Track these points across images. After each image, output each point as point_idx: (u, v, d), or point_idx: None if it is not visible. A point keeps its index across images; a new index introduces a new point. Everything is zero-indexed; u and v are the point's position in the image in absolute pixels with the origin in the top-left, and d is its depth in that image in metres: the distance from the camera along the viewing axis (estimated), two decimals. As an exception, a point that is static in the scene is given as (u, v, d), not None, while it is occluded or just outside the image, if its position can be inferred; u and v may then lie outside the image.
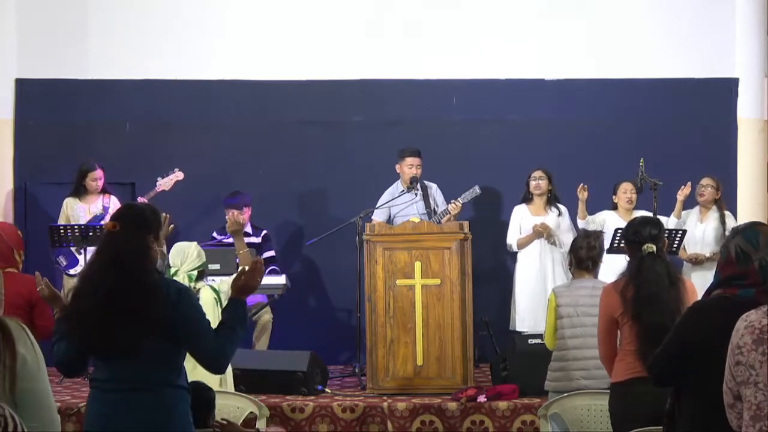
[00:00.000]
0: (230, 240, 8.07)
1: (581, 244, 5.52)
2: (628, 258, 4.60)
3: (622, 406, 4.41)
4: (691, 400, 3.31)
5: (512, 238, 8.13)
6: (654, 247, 4.42)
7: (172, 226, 4.93)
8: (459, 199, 7.85)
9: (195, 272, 5.49)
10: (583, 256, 5.47)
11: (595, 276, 5.55)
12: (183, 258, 5.50)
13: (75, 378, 4.45)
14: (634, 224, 4.63)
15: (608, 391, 5.16)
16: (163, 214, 5.34)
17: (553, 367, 5.50)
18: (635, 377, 4.32)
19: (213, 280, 5.79)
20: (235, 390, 5.83)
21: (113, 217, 3.73)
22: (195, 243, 5.65)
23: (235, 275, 3.90)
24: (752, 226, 3.41)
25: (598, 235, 5.73)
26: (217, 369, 3.73)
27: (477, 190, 7.91)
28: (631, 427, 4.20)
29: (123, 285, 3.53)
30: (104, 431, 3.56)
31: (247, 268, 3.79)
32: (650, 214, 7.30)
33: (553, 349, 5.52)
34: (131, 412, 3.53)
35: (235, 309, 3.71)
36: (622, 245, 7.40)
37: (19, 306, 5.23)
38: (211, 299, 5.41)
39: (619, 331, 4.52)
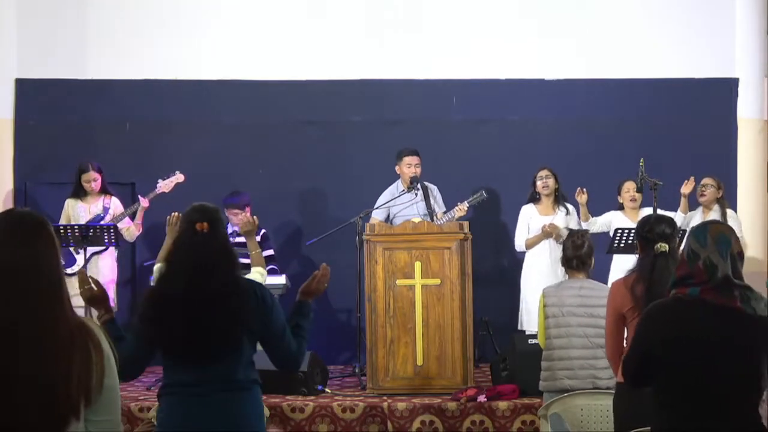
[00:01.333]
0: (232, 240, 8.10)
1: (567, 244, 5.56)
2: (639, 254, 4.58)
3: (628, 407, 4.38)
4: (659, 398, 3.36)
5: (521, 239, 8.12)
6: (667, 247, 4.42)
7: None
8: (465, 202, 7.83)
9: None
10: (570, 255, 5.49)
11: (588, 275, 5.55)
12: None
13: (134, 379, 4.45)
14: (649, 221, 4.61)
15: (608, 391, 5.17)
16: (174, 214, 5.35)
17: (542, 367, 5.54)
18: None
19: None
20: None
21: (201, 218, 3.67)
22: None
23: (308, 280, 3.96)
24: (703, 226, 3.46)
25: (583, 233, 5.72)
26: (295, 368, 3.89)
27: (484, 194, 7.88)
28: (636, 428, 4.19)
29: (218, 287, 3.55)
30: None
31: (318, 273, 3.92)
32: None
33: (544, 348, 5.55)
34: (224, 413, 3.54)
35: (309, 312, 3.86)
36: (623, 245, 7.49)
37: None
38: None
39: (625, 330, 4.50)
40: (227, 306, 3.53)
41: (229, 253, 3.66)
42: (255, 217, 5.83)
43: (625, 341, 4.53)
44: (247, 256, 5.43)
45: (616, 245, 7.55)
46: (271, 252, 8.29)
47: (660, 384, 3.36)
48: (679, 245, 7.47)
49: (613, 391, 5.01)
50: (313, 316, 3.87)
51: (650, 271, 4.38)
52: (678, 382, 3.27)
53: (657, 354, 3.33)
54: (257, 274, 5.31)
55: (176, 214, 5.20)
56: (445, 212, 7.90)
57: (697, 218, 8.11)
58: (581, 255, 5.47)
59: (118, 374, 3.84)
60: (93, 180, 8.19)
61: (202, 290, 3.53)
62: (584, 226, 7.84)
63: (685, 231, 7.74)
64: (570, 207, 8.11)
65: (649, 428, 4.03)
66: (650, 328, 3.39)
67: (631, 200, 8.02)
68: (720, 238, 3.35)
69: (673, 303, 3.37)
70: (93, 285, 3.87)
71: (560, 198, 8.12)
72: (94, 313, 3.98)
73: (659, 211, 7.40)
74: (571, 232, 5.98)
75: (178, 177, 8.21)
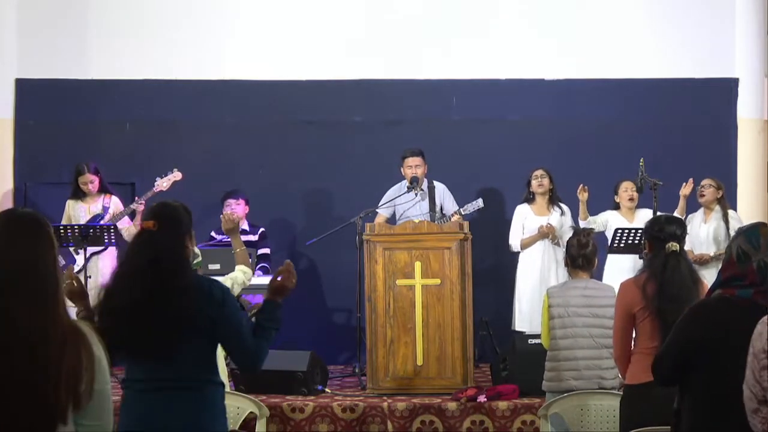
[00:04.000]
0: (229, 240, 8.09)
1: (571, 242, 5.54)
2: (648, 254, 4.54)
3: (636, 409, 4.32)
4: (693, 399, 3.31)
5: (515, 239, 8.12)
6: (678, 246, 4.39)
7: None
8: (461, 210, 7.83)
9: None
10: (575, 254, 5.47)
11: (591, 275, 5.54)
12: None
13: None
14: (659, 221, 4.58)
15: (608, 391, 5.16)
16: None
17: (547, 367, 5.52)
18: (652, 380, 4.27)
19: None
20: (236, 390, 5.82)
21: (150, 216, 3.66)
22: None
23: (270, 278, 3.91)
24: (755, 227, 3.41)
25: (589, 232, 5.72)
26: (254, 368, 3.74)
27: (480, 203, 7.87)
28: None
29: (164, 285, 3.52)
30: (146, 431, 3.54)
31: (281, 269, 3.81)
32: (651, 213, 7.31)
33: (548, 349, 5.53)
34: (174, 411, 3.52)
35: (272, 310, 3.74)
36: (623, 245, 7.48)
37: None
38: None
39: (634, 331, 4.47)
40: (169, 304, 3.49)
41: (174, 250, 3.60)
42: (237, 213, 5.79)
43: (633, 341, 4.51)
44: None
45: (615, 245, 7.54)
46: (267, 251, 8.31)
47: (696, 385, 3.29)
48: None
49: (616, 392, 5.00)
50: (279, 315, 3.73)
51: (662, 271, 4.34)
52: (720, 384, 3.18)
53: (698, 354, 3.26)
54: (239, 272, 5.29)
55: None
56: (448, 217, 7.87)
57: (697, 219, 8.11)
58: (587, 254, 5.46)
59: None
60: (90, 182, 8.19)
61: (143, 289, 3.51)
62: (582, 224, 7.84)
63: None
64: (565, 207, 8.12)
65: (656, 428, 4.00)
66: (693, 327, 3.33)
67: (629, 200, 8.02)
68: None
69: (719, 303, 3.31)
70: (74, 281, 3.91)
71: (555, 198, 8.12)
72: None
73: (658, 213, 7.40)
74: (576, 230, 5.97)
75: (176, 175, 8.21)
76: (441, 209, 8.07)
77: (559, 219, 8.05)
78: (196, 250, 3.82)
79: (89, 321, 3.75)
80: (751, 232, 3.37)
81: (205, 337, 3.57)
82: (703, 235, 8.03)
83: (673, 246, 4.38)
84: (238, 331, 3.61)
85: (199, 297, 3.54)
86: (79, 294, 3.90)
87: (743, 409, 3.15)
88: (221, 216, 7.09)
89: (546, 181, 8.07)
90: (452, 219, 7.77)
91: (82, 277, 7.84)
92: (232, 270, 5.21)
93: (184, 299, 3.50)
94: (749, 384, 2.95)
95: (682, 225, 4.57)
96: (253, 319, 3.76)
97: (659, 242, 4.44)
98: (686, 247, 4.59)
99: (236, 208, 8.04)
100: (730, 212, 8.10)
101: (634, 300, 4.39)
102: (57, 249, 2.52)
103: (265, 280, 7.41)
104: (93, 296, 4.12)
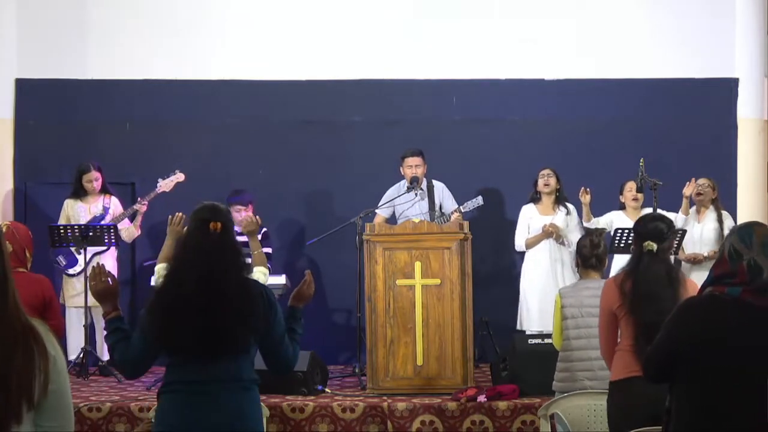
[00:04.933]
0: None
1: (584, 242, 5.54)
2: (632, 251, 4.60)
3: (620, 405, 4.41)
4: (684, 396, 3.32)
5: (521, 238, 8.12)
6: (654, 246, 4.41)
7: (186, 227, 4.93)
8: (461, 208, 7.83)
9: None
10: (587, 254, 5.47)
11: (603, 275, 5.54)
12: None
13: (137, 378, 4.46)
14: (645, 219, 4.63)
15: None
16: (178, 214, 5.35)
17: (559, 368, 5.51)
18: (633, 376, 4.31)
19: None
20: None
21: (216, 218, 3.67)
22: None
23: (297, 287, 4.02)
24: (748, 226, 3.42)
25: (600, 232, 5.73)
26: (288, 371, 3.89)
27: (480, 200, 7.87)
28: (628, 427, 4.19)
29: (229, 287, 3.56)
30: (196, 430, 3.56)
31: (306, 279, 4.00)
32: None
33: (560, 349, 5.53)
34: (229, 411, 3.56)
35: (299, 316, 3.89)
36: (623, 245, 7.49)
37: (33, 306, 5.25)
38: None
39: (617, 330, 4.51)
40: (238, 307, 3.54)
41: (240, 254, 3.67)
42: (258, 216, 5.83)
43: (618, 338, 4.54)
44: (249, 256, 5.43)
45: (616, 245, 7.55)
46: (268, 250, 8.29)
47: (686, 382, 3.30)
48: (678, 246, 7.52)
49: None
50: (302, 321, 3.90)
51: (635, 269, 4.40)
52: (708, 381, 3.21)
53: (687, 351, 3.27)
54: (260, 274, 5.31)
55: (180, 214, 5.18)
56: (448, 216, 7.86)
57: (691, 218, 8.11)
58: (599, 254, 5.47)
59: (125, 372, 3.84)
60: (95, 180, 8.21)
61: (213, 290, 3.54)
62: (586, 226, 7.85)
63: (684, 231, 7.77)
64: (570, 207, 8.12)
65: (648, 428, 4.03)
66: (683, 324, 3.34)
67: (633, 200, 8.02)
68: (767, 242, 3.31)
69: (708, 300, 3.32)
70: (109, 279, 3.82)
71: (561, 198, 8.12)
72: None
73: (659, 211, 7.39)
74: (587, 231, 5.97)
75: (179, 176, 8.21)
76: (440, 208, 8.07)
77: (565, 219, 8.05)
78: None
79: (117, 320, 3.76)
80: (744, 230, 3.38)
81: (258, 339, 3.65)
82: (697, 234, 8.04)
83: (649, 245, 4.41)
84: (282, 335, 3.73)
85: (258, 299, 3.62)
86: (114, 292, 3.82)
87: (733, 406, 3.17)
88: (238, 215, 7.10)
89: (552, 181, 8.08)
90: (452, 217, 7.76)
91: (82, 278, 7.85)
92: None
93: (251, 302, 3.58)
94: None
95: (669, 223, 4.58)
96: None
97: (640, 239, 4.48)
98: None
99: (245, 216, 8.03)
100: (724, 213, 8.11)
101: (613, 298, 4.45)
102: (8, 251, 2.49)
103: (273, 280, 7.41)
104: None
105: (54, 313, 5.47)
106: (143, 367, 3.73)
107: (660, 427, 3.57)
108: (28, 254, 5.62)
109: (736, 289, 3.27)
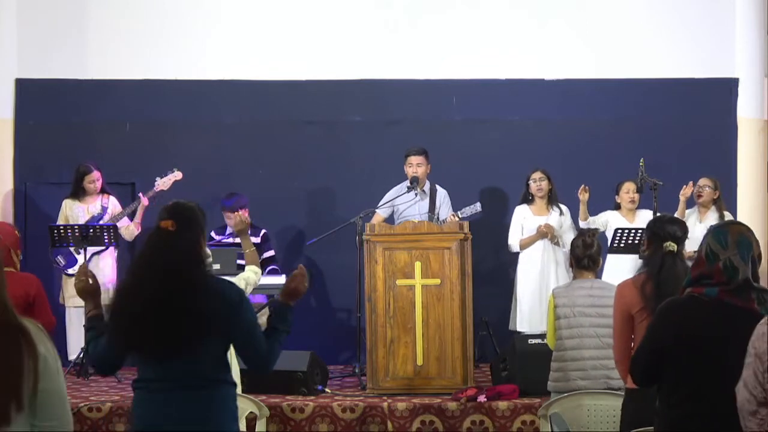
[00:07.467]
0: (229, 240, 8.10)
1: (577, 243, 5.53)
2: (645, 252, 4.51)
3: (639, 413, 4.28)
4: (667, 396, 3.33)
5: (514, 239, 8.12)
6: (675, 247, 4.37)
7: None
8: (458, 213, 7.82)
9: None
10: (580, 254, 5.47)
11: (596, 275, 5.54)
12: None
13: (108, 376, 4.46)
14: (662, 219, 4.55)
15: (608, 391, 5.15)
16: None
17: (553, 368, 5.52)
18: None
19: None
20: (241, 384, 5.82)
21: (168, 216, 3.65)
22: None
23: (285, 281, 3.93)
24: (723, 226, 3.43)
25: (594, 232, 5.71)
26: (265, 370, 3.76)
27: (478, 207, 7.84)
28: None
29: (181, 285, 3.53)
30: (158, 431, 3.55)
31: (295, 272, 3.85)
32: (652, 214, 7.32)
33: (553, 349, 5.53)
34: (187, 410, 3.53)
35: (285, 314, 3.77)
36: (623, 245, 7.49)
37: (19, 305, 5.23)
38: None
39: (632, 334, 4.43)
40: (187, 305, 3.49)
41: (192, 251, 3.60)
42: (245, 213, 5.81)
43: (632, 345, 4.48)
44: (241, 256, 5.43)
45: (615, 245, 7.55)
46: (272, 253, 8.31)
47: (669, 383, 3.32)
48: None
49: (617, 392, 4.99)
50: (291, 318, 3.78)
51: (659, 271, 4.31)
52: (689, 382, 3.23)
53: (669, 352, 3.29)
54: (251, 273, 5.30)
55: None
56: (444, 220, 7.85)
57: (692, 219, 8.11)
58: (592, 254, 5.46)
59: (96, 369, 3.85)
60: (96, 180, 8.23)
61: (162, 289, 3.51)
62: (582, 225, 7.84)
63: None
64: (564, 207, 8.12)
65: (651, 428, 4.00)
66: (663, 325, 3.35)
67: (630, 201, 8.02)
68: (742, 241, 3.32)
69: (688, 301, 3.33)
70: (89, 278, 3.86)
71: (554, 199, 8.12)
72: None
73: (647, 213, 7.41)
74: (580, 231, 5.96)
75: (177, 174, 8.22)
76: (437, 213, 8.05)
77: (558, 219, 8.06)
78: (207, 250, 3.83)
79: (96, 318, 3.75)
80: (719, 231, 3.39)
81: (218, 338, 3.58)
82: (698, 234, 7.98)
83: (671, 246, 4.35)
84: (252, 333, 3.63)
85: (215, 298, 3.55)
86: (93, 291, 3.86)
87: (712, 406, 3.19)
88: (230, 221, 7.08)
89: (544, 184, 8.08)
90: (448, 219, 7.74)
91: (82, 277, 7.83)
92: (233, 270, 5.23)
93: (200, 300, 3.52)
94: (749, 386, 2.92)
95: (684, 228, 4.54)
96: (261, 320, 3.78)
97: (658, 240, 4.41)
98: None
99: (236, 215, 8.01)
100: (726, 213, 8.10)
101: (632, 301, 4.35)
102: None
103: (274, 280, 7.41)
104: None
105: (42, 311, 5.39)
106: (112, 365, 3.73)
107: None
108: (14, 254, 5.57)
109: (714, 289, 3.29)
